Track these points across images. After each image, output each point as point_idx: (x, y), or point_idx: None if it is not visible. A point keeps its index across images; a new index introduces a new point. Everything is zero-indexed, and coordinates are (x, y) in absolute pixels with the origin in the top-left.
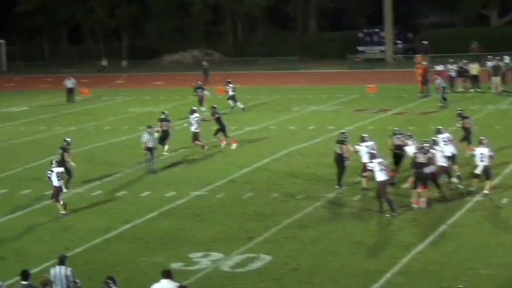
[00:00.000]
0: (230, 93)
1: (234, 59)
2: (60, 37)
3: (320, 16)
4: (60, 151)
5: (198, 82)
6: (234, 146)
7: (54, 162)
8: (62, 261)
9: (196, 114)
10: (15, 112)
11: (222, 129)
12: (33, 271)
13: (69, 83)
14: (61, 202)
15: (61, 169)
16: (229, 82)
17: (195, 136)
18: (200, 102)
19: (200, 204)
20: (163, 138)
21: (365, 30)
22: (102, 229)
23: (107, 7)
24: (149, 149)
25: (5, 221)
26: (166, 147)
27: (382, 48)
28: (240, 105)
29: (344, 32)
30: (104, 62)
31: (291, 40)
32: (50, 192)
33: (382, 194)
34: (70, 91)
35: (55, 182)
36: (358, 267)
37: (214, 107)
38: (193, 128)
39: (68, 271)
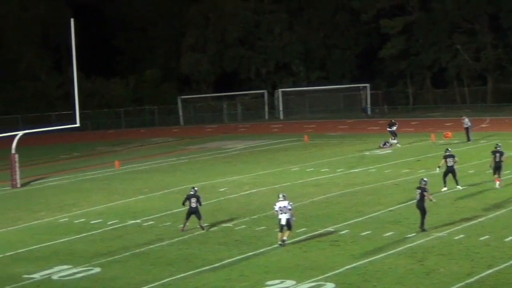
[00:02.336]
0: None
1: None
2: (424, 81)
3: None
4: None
5: None
6: None
7: None
8: None
9: None
10: (380, 155)
11: None
12: None
13: (467, 121)
14: None
15: None
16: None
17: None
18: None
19: None
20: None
21: None
22: (465, 273)
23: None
24: None
25: (368, 262)
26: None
27: None
28: None
29: None
30: None
31: None
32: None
33: None
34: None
35: None
36: None
37: None
38: None
39: None
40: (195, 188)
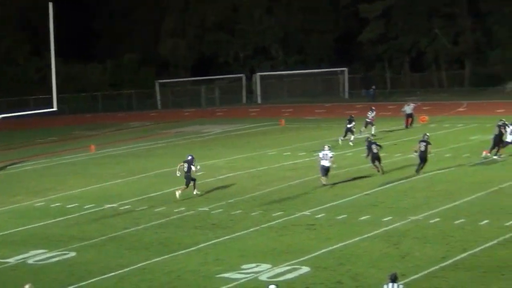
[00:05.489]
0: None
1: None
2: (402, 65)
3: None
4: None
5: None
6: None
7: None
8: (394, 279)
9: None
10: (357, 139)
11: None
12: None
13: (408, 108)
14: None
15: None
16: None
17: None
18: None
19: None
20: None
21: None
22: (439, 257)
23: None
24: None
25: (343, 246)
26: None
27: None
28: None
29: None
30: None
31: None
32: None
33: None
34: (409, 117)
35: None
36: None
37: None
38: None
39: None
40: (191, 155)
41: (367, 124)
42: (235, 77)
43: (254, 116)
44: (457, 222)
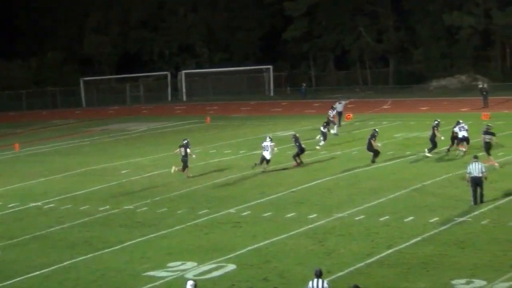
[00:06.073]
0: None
1: (502, 84)
2: (326, 63)
3: None
4: None
5: None
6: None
7: None
8: (319, 275)
9: None
10: (283, 136)
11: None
12: None
13: (340, 106)
14: None
15: None
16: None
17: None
18: None
19: (464, 230)
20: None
21: None
22: (365, 254)
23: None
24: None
25: (269, 243)
26: None
27: None
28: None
29: None
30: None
31: None
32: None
33: None
34: (339, 115)
35: None
36: None
37: None
38: None
39: (325, 283)
40: (186, 139)
41: (328, 122)
42: (160, 75)
43: (179, 113)
44: (382, 219)
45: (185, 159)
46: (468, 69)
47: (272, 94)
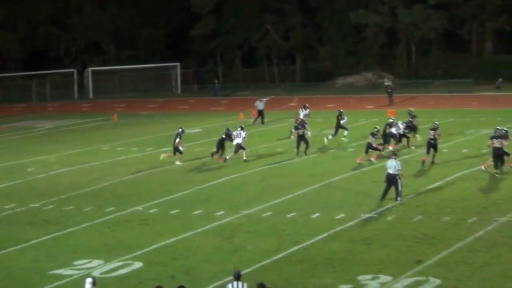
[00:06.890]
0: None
1: (408, 81)
2: (234, 61)
3: (496, 38)
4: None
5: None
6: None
7: None
8: (238, 277)
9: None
10: (190, 134)
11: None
12: None
13: (260, 104)
14: None
15: None
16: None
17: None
18: None
19: (370, 226)
20: None
21: None
22: (272, 250)
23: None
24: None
25: (176, 240)
26: None
27: None
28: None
29: None
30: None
31: (465, 63)
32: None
33: None
34: (260, 113)
35: None
36: None
37: None
38: None
39: (245, 286)
40: (181, 128)
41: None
42: (67, 72)
43: (86, 111)
44: (289, 215)
45: (175, 146)
46: (374, 67)
47: (179, 91)
